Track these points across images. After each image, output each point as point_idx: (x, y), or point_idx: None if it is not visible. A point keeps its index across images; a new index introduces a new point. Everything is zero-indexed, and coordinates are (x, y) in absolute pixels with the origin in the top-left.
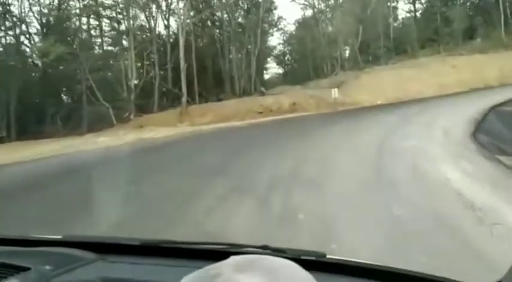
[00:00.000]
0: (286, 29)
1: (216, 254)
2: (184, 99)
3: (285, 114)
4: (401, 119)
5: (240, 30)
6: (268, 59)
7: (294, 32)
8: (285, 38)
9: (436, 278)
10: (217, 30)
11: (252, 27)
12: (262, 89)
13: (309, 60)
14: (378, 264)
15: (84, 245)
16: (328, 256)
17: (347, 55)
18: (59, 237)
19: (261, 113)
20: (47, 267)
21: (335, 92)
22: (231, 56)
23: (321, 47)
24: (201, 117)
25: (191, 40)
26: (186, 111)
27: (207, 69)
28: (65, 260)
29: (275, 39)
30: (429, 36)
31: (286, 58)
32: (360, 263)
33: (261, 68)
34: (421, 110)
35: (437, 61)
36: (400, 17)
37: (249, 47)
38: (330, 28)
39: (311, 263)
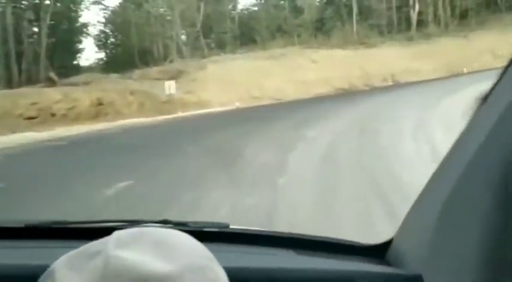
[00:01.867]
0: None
1: (111, 231)
2: None
3: (79, 121)
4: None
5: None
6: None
7: (117, 7)
8: (106, 14)
9: (336, 240)
10: None
11: None
12: (52, 75)
13: (133, 41)
14: (280, 231)
15: None
16: (231, 226)
17: (185, 38)
18: None
19: (33, 118)
20: None
21: (170, 87)
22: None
23: (150, 22)
24: None
25: None
26: None
27: None
28: None
29: (93, 16)
30: (280, 25)
31: (109, 40)
32: (262, 231)
33: (71, 49)
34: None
35: (295, 54)
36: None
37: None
38: None
39: (214, 234)
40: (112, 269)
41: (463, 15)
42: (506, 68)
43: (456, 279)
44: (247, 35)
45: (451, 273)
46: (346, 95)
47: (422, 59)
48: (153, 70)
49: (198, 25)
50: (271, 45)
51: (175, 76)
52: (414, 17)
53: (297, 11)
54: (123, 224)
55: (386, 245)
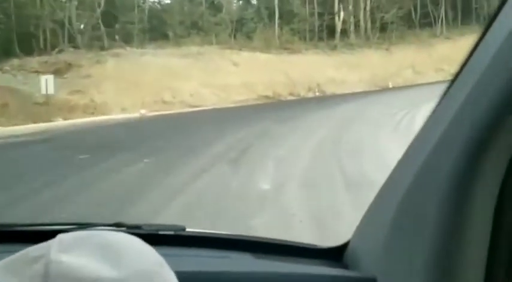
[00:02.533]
0: None
1: (57, 234)
2: None
3: None
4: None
5: None
6: None
7: None
8: None
9: (293, 243)
10: None
11: None
12: None
13: (13, 23)
14: (237, 234)
15: None
16: (187, 229)
17: (82, 26)
18: None
19: None
20: None
21: (48, 83)
22: None
23: (35, 1)
24: None
25: None
26: None
27: None
28: None
29: None
30: (195, 22)
31: None
32: (219, 234)
33: None
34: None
35: (214, 54)
36: None
37: None
38: None
39: (170, 237)
40: (53, 274)
41: (384, 28)
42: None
43: None
44: (158, 29)
45: (403, 276)
46: (272, 106)
47: (347, 69)
48: (34, 60)
49: (98, 10)
50: (185, 42)
51: (62, 70)
52: (339, 25)
53: (215, 8)
54: (70, 227)
55: (343, 247)
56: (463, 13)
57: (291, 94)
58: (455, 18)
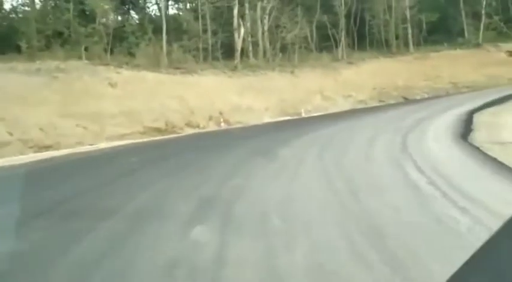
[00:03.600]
0: None
1: None
2: None
3: None
4: None
5: None
6: None
7: None
8: None
9: None
10: None
11: None
12: None
13: None
14: None
15: None
16: None
17: None
18: None
19: None
20: None
21: None
22: None
23: None
24: None
25: None
26: None
27: None
28: None
29: None
30: (60, 32)
31: None
32: None
33: None
34: None
35: (82, 71)
36: None
37: None
38: None
39: None
40: None
41: (285, 49)
42: None
43: None
44: (7, 38)
45: None
46: (164, 146)
47: (252, 93)
48: None
49: None
50: (43, 55)
51: None
52: (239, 43)
53: (86, 17)
54: None
55: None
56: (358, 38)
57: (188, 125)
58: (351, 43)
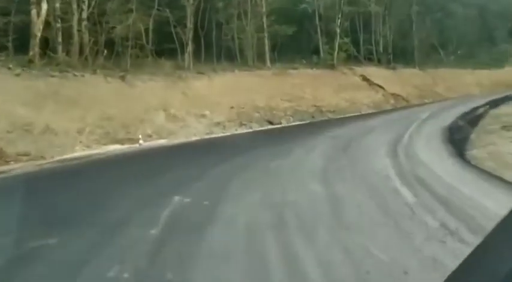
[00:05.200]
0: None
1: None
2: None
3: None
4: None
5: None
6: None
7: None
8: None
9: None
10: None
11: None
12: None
13: None
14: None
15: None
16: None
17: None
18: None
19: None
20: None
21: None
22: None
23: None
24: None
25: None
26: None
27: None
28: None
29: None
30: None
31: None
32: None
33: None
34: None
35: None
36: None
37: None
38: None
39: None
40: None
41: (111, 47)
42: None
43: None
44: None
45: None
46: None
47: (57, 106)
48: None
49: None
50: None
51: None
52: (39, 26)
53: None
54: None
55: None
56: (205, 47)
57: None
58: (197, 51)
